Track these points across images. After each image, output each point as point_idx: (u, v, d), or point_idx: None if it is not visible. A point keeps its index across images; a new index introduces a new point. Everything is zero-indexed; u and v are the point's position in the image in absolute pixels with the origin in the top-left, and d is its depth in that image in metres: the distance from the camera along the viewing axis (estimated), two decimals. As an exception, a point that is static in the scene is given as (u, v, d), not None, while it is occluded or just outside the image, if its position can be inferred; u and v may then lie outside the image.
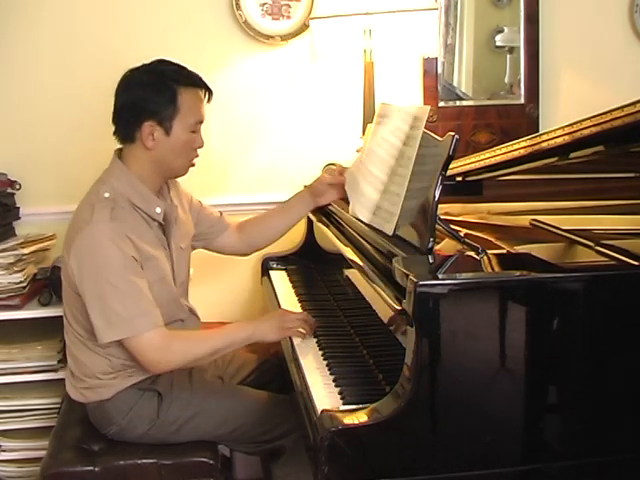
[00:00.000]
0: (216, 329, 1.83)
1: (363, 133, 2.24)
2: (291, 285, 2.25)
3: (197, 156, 1.84)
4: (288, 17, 2.49)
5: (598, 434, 1.35)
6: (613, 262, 1.39)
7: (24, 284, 2.22)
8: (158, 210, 1.80)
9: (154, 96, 1.73)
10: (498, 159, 1.71)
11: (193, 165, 1.85)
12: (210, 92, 1.82)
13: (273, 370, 2.06)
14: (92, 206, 1.70)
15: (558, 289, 1.33)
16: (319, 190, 2.07)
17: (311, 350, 1.71)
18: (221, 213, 2.14)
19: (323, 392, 1.48)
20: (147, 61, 1.79)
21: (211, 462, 1.77)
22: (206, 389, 1.87)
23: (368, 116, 2.25)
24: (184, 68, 1.79)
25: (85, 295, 1.68)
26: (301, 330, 1.78)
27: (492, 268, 1.39)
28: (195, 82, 1.78)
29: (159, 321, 1.70)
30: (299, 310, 1.98)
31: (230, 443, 1.91)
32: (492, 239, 1.61)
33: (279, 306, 2.04)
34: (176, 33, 2.47)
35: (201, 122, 1.82)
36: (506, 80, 2.64)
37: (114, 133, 1.81)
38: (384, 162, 1.77)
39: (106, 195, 1.73)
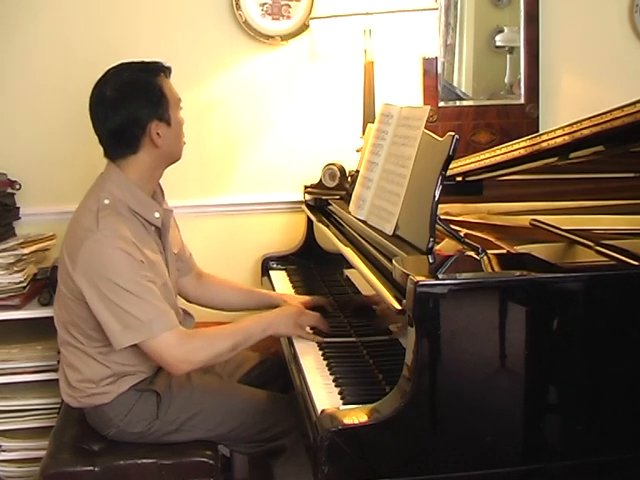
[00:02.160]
0: (233, 324, 1.83)
1: (363, 133, 2.24)
2: (291, 285, 2.25)
3: (184, 135, 1.86)
4: (288, 17, 2.49)
5: (598, 434, 1.35)
6: (613, 262, 1.39)
7: (24, 284, 2.22)
8: (157, 215, 1.81)
9: (147, 100, 1.74)
10: (498, 159, 1.71)
11: (185, 144, 1.86)
12: (169, 70, 1.82)
13: (274, 369, 2.06)
14: (95, 214, 1.69)
15: (558, 289, 1.33)
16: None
17: (311, 350, 1.71)
18: (190, 254, 2.11)
19: (323, 392, 1.48)
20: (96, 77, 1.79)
21: (211, 462, 1.77)
22: (205, 388, 1.87)
23: (368, 116, 2.25)
24: (144, 61, 1.80)
25: (96, 304, 1.66)
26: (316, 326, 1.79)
27: (492, 268, 1.39)
28: (160, 68, 1.80)
29: (175, 321, 1.70)
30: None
31: (230, 443, 1.90)
32: (492, 239, 1.61)
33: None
34: (176, 33, 2.47)
35: (180, 100, 1.84)
36: (506, 80, 2.64)
37: (107, 154, 1.79)
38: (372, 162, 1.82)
39: (106, 202, 1.72)
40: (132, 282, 1.65)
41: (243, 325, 1.80)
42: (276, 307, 1.97)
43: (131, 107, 1.72)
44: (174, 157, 1.85)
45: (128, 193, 1.76)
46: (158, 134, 1.75)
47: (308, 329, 1.81)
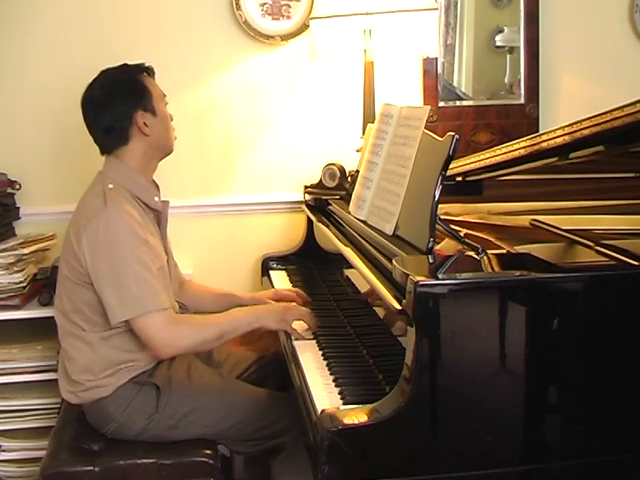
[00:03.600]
0: (222, 314, 1.86)
1: (363, 133, 2.24)
2: (291, 285, 2.25)
3: (174, 129, 1.95)
4: (288, 17, 2.49)
5: (598, 434, 1.35)
6: (613, 262, 1.39)
7: (24, 284, 2.22)
8: (156, 199, 1.89)
9: (131, 94, 1.84)
10: (498, 159, 1.71)
11: (176, 138, 1.94)
12: (152, 70, 1.93)
13: (271, 366, 2.08)
14: (102, 195, 1.77)
15: (558, 289, 1.33)
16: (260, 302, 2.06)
17: (311, 350, 1.72)
18: (176, 264, 2.11)
19: (323, 392, 1.48)
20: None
21: (211, 462, 1.77)
22: (205, 384, 1.88)
23: (368, 116, 2.25)
24: (125, 64, 1.89)
25: (98, 276, 1.72)
26: (303, 325, 1.81)
27: (492, 268, 1.39)
28: (141, 69, 1.90)
29: (167, 304, 1.75)
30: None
31: (229, 441, 1.91)
32: (492, 239, 1.61)
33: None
34: (176, 33, 2.47)
35: (165, 96, 1.94)
36: (506, 80, 2.64)
37: (103, 151, 1.88)
38: (372, 162, 1.83)
39: (110, 186, 1.80)
40: (134, 257, 1.72)
41: (231, 316, 1.84)
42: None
43: (117, 102, 1.82)
44: (165, 148, 1.92)
45: (129, 179, 1.84)
46: (145, 124, 1.84)
47: (299, 324, 1.83)
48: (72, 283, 1.79)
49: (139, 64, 1.90)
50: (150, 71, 1.92)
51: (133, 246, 1.72)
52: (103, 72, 1.88)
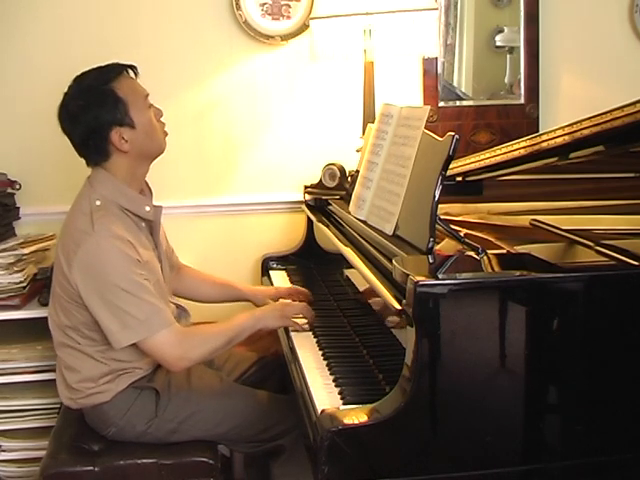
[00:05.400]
0: (226, 322, 1.84)
1: (363, 133, 2.24)
2: (291, 285, 2.25)
3: (164, 124, 1.86)
4: (288, 17, 2.49)
5: (598, 434, 1.35)
6: (613, 262, 1.39)
7: (24, 284, 2.22)
8: (147, 209, 1.82)
9: (102, 108, 1.74)
10: (498, 159, 1.71)
11: (167, 134, 1.86)
12: (133, 68, 1.82)
13: (271, 367, 2.08)
14: (89, 216, 1.71)
15: (558, 289, 1.33)
16: (258, 300, 2.08)
17: (311, 350, 1.72)
18: (173, 250, 2.11)
19: (323, 392, 1.48)
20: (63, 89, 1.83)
21: (211, 462, 1.77)
22: (204, 387, 1.87)
23: (368, 116, 2.25)
24: (100, 67, 1.80)
25: (93, 305, 1.68)
26: (302, 320, 1.83)
27: (492, 268, 1.39)
28: (117, 70, 1.79)
29: (172, 319, 1.73)
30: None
31: (229, 442, 1.91)
32: (492, 239, 1.61)
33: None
34: (176, 33, 2.47)
35: (147, 95, 1.82)
36: (506, 80, 2.64)
37: (88, 164, 1.82)
38: (372, 162, 1.84)
39: (97, 203, 1.74)
40: (129, 281, 1.67)
41: (236, 322, 1.82)
42: (246, 301, 2.11)
43: (89, 117, 1.74)
44: (152, 153, 1.84)
45: (117, 192, 1.78)
46: (124, 139, 1.75)
47: (301, 321, 1.85)
48: (66, 301, 1.76)
49: (114, 65, 1.79)
50: (133, 69, 1.81)
51: (127, 270, 1.67)
52: (75, 80, 1.79)
